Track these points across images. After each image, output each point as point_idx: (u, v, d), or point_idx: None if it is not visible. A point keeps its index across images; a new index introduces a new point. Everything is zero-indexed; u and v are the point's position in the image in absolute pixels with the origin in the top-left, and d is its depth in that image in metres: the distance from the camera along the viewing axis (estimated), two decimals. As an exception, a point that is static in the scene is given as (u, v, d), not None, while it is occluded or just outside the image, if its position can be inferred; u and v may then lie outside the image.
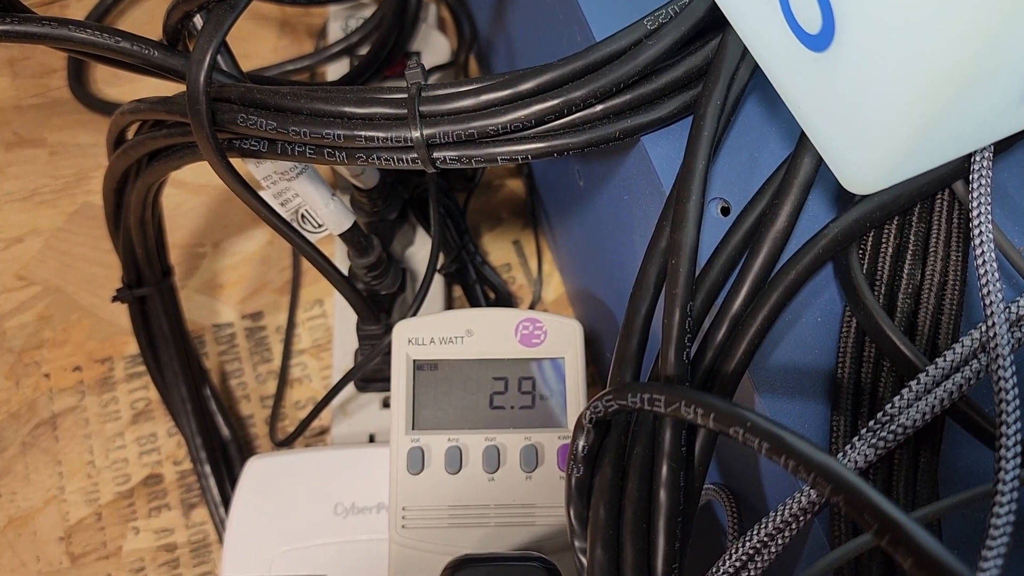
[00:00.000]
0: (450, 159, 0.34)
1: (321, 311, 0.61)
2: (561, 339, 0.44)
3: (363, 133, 0.33)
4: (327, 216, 0.45)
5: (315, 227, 0.46)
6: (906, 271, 0.30)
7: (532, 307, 0.61)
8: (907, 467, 0.28)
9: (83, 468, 0.57)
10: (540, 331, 0.44)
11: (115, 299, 0.51)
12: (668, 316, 0.29)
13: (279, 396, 0.58)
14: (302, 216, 0.45)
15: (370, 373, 0.53)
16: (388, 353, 0.51)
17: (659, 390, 0.27)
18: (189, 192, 0.65)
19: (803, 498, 0.28)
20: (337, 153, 0.35)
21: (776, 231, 0.30)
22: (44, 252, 0.63)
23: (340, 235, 0.46)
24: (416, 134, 0.33)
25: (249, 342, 0.61)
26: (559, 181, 0.51)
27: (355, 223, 0.46)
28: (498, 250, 0.63)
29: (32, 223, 0.64)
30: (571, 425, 0.43)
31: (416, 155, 0.34)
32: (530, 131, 0.33)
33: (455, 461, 0.42)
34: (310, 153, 0.35)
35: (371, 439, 0.54)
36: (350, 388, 0.55)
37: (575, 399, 0.43)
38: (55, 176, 0.66)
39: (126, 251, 0.49)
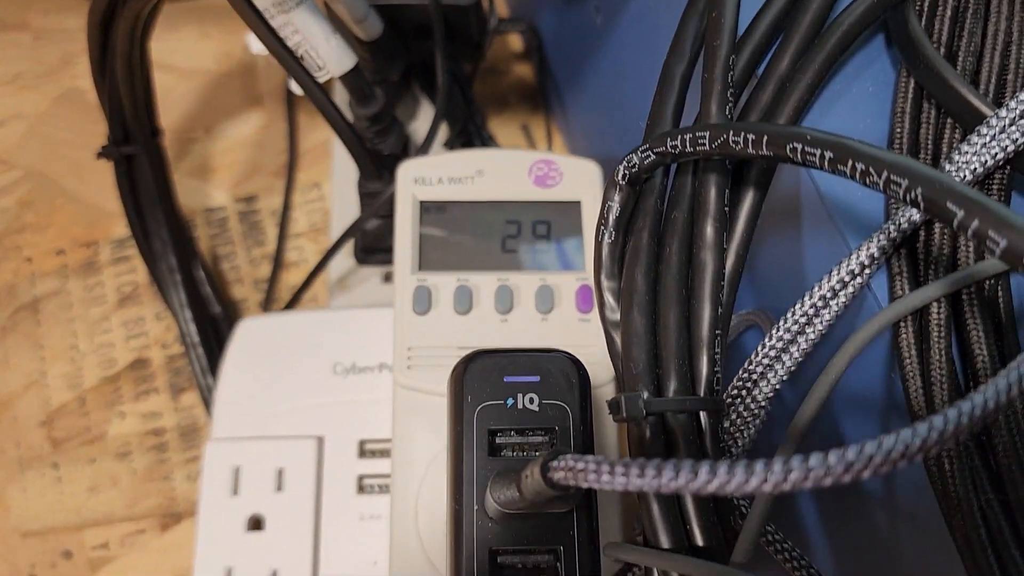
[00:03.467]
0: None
1: (319, 194, 0.58)
2: (578, 181, 0.41)
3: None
4: (328, 54, 0.42)
5: (316, 68, 0.43)
6: (967, 30, 0.27)
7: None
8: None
9: (66, 352, 0.54)
10: (556, 172, 0.41)
11: (100, 155, 0.47)
12: (709, 69, 0.26)
13: (273, 279, 0.55)
14: (301, 58, 0.43)
15: (371, 240, 0.50)
16: (389, 215, 0.48)
17: (702, 127, 0.24)
18: (179, 77, 0.62)
19: (862, 252, 0.25)
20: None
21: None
22: (27, 137, 0.60)
23: (342, 78, 0.44)
24: None
25: (243, 225, 0.58)
26: (574, 30, 0.49)
27: (358, 65, 0.44)
28: (506, 134, 0.60)
29: (15, 107, 0.61)
30: (590, 269, 0.40)
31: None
32: None
33: (465, 301, 0.39)
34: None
35: (371, 315, 0.52)
36: (349, 261, 0.52)
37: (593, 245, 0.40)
38: (39, 61, 0.63)
39: (112, 103, 0.46)
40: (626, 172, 0.25)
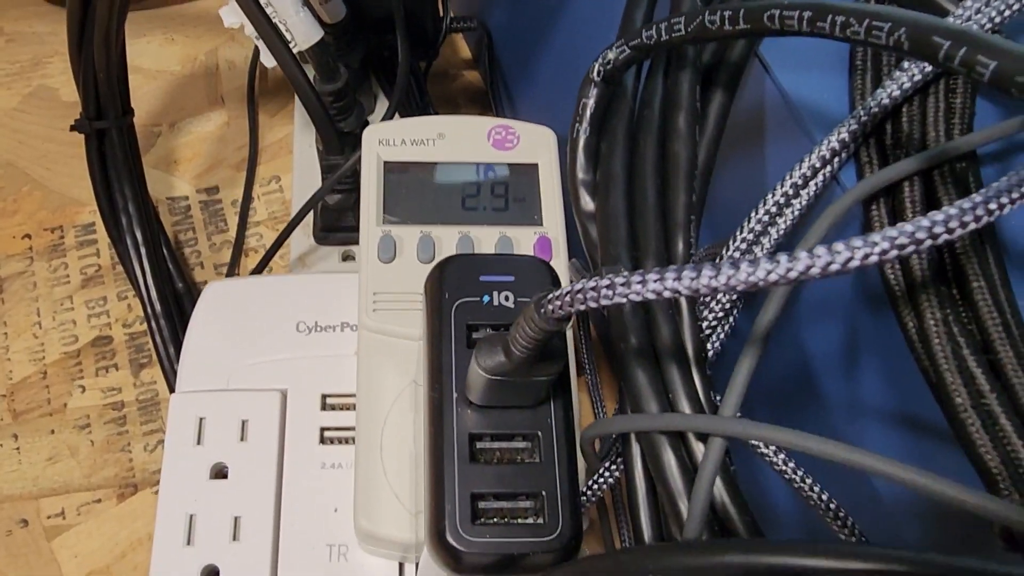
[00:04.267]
0: None
1: (278, 186, 0.56)
2: (534, 145, 0.40)
3: None
4: (296, 25, 0.41)
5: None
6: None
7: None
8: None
9: (29, 329, 0.51)
10: (513, 136, 0.40)
11: (72, 128, 0.45)
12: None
13: (234, 262, 0.53)
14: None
15: (331, 219, 0.48)
16: (351, 190, 0.46)
17: (676, 14, 0.23)
18: (145, 77, 0.60)
19: (831, 139, 0.23)
20: None
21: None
22: (-4, 130, 0.57)
23: (308, 50, 0.42)
24: None
25: (204, 213, 0.55)
26: (524, 25, 0.47)
27: (324, 39, 0.41)
28: (456, 134, 0.58)
29: (-17, 103, 0.58)
30: (547, 223, 0.38)
31: None
32: None
33: (428, 250, 0.37)
34: None
35: (330, 293, 0.49)
36: (309, 241, 0.49)
37: (551, 201, 0.39)
38: (11, 62, 0.60)
39: (87, 78, 0.44)
40: (601, 69, 0.24)
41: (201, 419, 0.39)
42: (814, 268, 0.15)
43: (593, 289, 0.17)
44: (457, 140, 0.40)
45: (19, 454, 0.48)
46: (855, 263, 0.15)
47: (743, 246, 0.25)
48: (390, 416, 0.35)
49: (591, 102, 0.25)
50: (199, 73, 0.60)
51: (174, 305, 0.49)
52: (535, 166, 0.40)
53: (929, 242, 0.15)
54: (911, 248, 0.15)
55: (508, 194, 0.39)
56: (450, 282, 0.27)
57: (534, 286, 0.26)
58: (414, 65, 0.54)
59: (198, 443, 0.39)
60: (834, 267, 0.15)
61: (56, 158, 0.56)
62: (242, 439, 0.39)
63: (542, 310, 0.19)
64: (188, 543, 0.38)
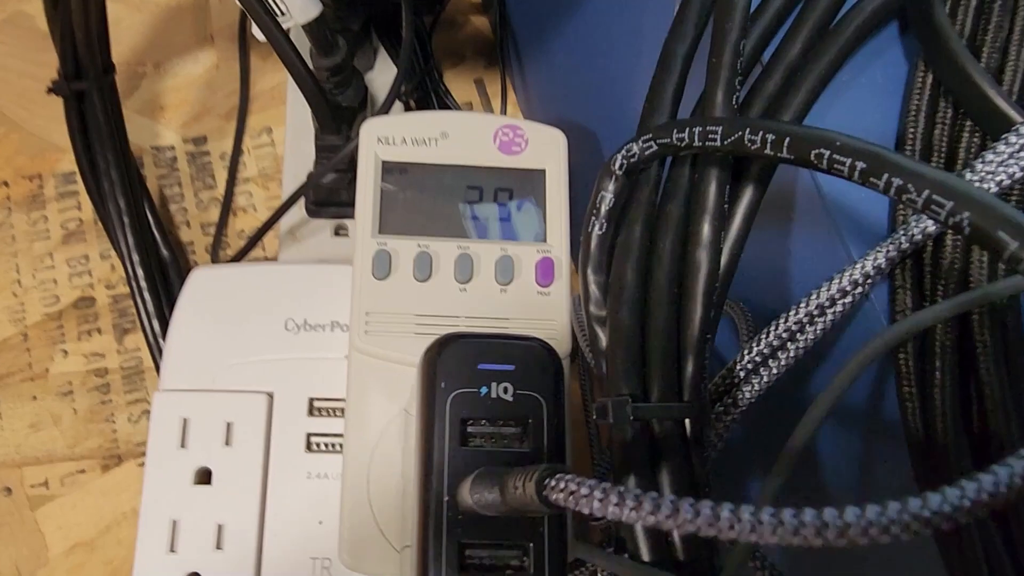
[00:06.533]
0: None
1: (270, 139, 0.53)
2: (543, 149, 0.38)
3: None
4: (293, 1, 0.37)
5: (279, 14, 0.38)
6: (993, 23, 0.24)
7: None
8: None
9: (8, 287, 0.49)
10: (521, 139, 0.37)
11: (50, 91, 0.42)
12: (717, 53, 0.23)
13: (222, 223, 0.50)
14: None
15: (325, 194, 0.45)
16: (346, 170, 0.43)
17: (714, 121, 0.20)
18: (129, 7, 0.56)
19: (867, 262, 0.22)
20: None
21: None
22: (-32, 62, 0.53)
23: (305, 26, 0.39)
24: None
25: (191, 167, 0.52)
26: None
27: (323, 14, 0.38)
28: (460, 88, 0.55)
29: (-44, 31, 0.54)
30: (551, 240, 0.37)
31: None
32: None
33: (424, 267, 0.35)
34: None
35: (322, 267, 0.47)
36: (301, 213, 0.47)
37: (557, 214, 0.37)
38: (-17, -16, 0.55)
39: (64, 34, 0.40)
40: (624, 162, 0.22)
41: (185, 420, 0.38)
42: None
43: (600, 501, 0.16)
44: (461, 140, 0.37)
45: (1, 420, 0.47)
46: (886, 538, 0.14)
47: (758, 358, 0.23)
48: (379, 446, 0.34)
49: (609, 196, 0.22)
50: (186, 6, 0.56)
51: (159, 275, 0.47)
52: (542, 173, 0.38)
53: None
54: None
55: (512, 204, 0.37)
56: (446, 369, 0.25)
57: (535, 379, 0.25)
58: (419, 24, 0.50)
59: (182, 446, 0.38)
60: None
61: (35, 97, 0.52)
62: (227, 443, 0.38)
63: (543, 493, 0.18)
64: (171, 550, 0.37)
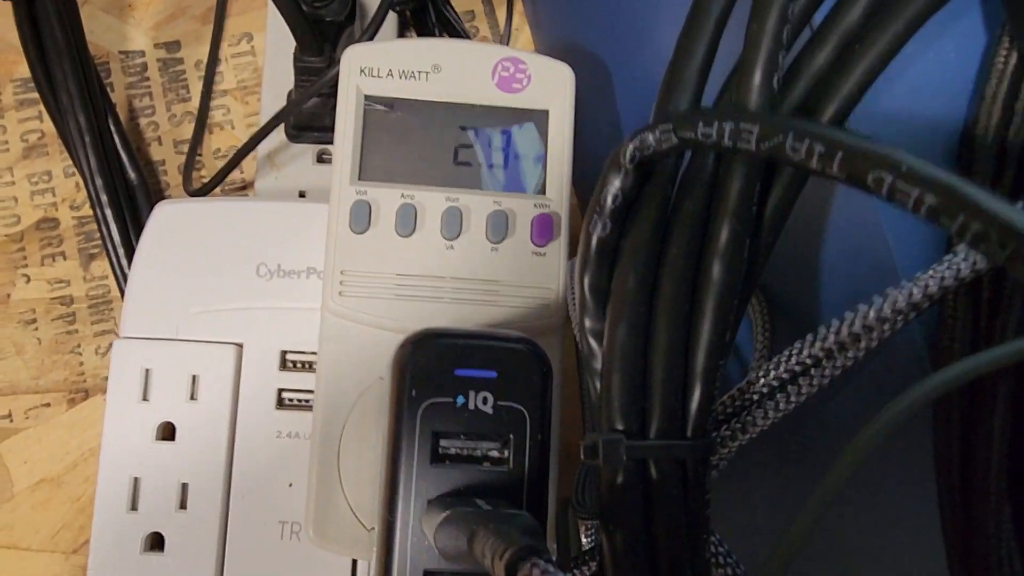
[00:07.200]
0: None
1: (249, 47, 0.48)
2: (548, 87, 0.33)
3: None
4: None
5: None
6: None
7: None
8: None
9: (-35, 205, 0.45)
10: (523, 75, 0.33)
11: (-6, -7, 0.37)
12: (759, 18, 0.18)
13: (196, 140, 0.46)
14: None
15: (306, 118, 0.41)
16: (329, 93, 0.39)
17: (751, 117, 0.17)
18: None
19: (917, 288, 0.18)
20: None
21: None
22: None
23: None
24: None
25: (163, 76, 0.48)
26: None
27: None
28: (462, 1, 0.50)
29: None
30: (551, 193, 0.33)
31: None
32: None
33: (408, 221, 0.32)
34: None
35: (301, 196, 0.43)
36: (280, 137, 0.43)
37: (558, 163, 0.33)
38: None
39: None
40: (636, 154, 0.18)
41: (147, 371, 0.35)
42: None
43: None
44: (455, 74, 0.33)
45: (-40, 349, 0.44)
46: None
47: (775, 382, 0.20)
48: (351, 417, 0.32)
49: (617, 192, 0.19)
50: None
51: (125, 199, 0.43)
52: (545, 114, 0.34)
53: None
54: None
55: (509, 149, 0.34)
56: (419, 374, 0.22)
57: (519, 389, 0.22)
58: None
59: (144, 399, 0.35)
60: None
61: (-10, -8, 0.48)
62: (192, 397, 0.35)
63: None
64: (132, 508, 0.35)
